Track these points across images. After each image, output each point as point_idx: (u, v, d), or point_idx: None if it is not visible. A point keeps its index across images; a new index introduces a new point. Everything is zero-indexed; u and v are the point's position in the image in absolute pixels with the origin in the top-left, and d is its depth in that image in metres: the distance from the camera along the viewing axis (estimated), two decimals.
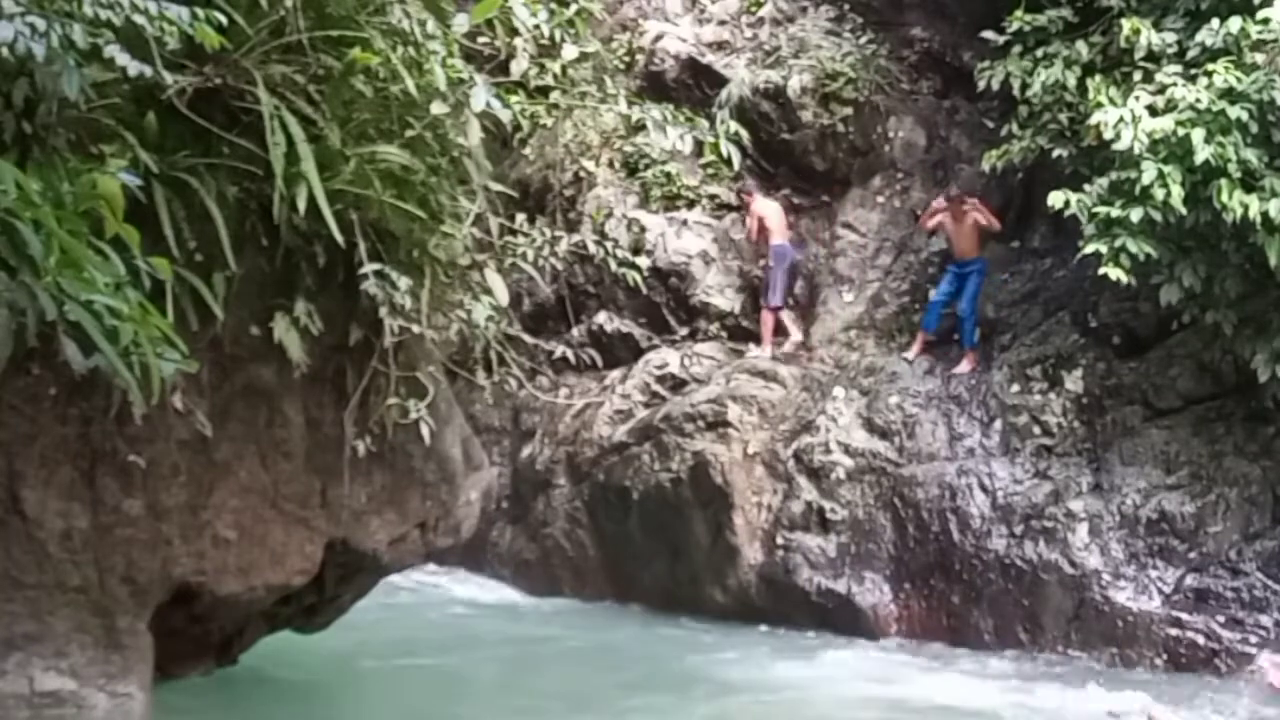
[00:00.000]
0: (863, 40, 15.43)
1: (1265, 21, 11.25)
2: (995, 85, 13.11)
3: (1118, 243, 11.37)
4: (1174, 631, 11.65)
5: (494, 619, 13.25)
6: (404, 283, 7.07)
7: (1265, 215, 10.92)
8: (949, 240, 13.94)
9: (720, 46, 15.96)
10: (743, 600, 13.26)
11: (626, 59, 15.78)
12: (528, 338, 11.56)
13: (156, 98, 6.33)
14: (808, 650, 12.23)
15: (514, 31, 8.42)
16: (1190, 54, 11.74)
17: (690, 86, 15.59)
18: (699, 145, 10.31)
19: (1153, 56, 11.96)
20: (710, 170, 15.22)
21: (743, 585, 13.25)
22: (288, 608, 8.17)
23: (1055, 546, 12.17)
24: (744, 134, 10.91)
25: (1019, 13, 12.88)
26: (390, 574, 8.59)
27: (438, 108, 7.18)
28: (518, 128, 9.70)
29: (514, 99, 8.82)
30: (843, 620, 12.70)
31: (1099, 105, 11.66)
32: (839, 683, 11.33)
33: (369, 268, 7.00)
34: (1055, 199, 11.87)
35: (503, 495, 14.74)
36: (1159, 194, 11.12)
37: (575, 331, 15.05)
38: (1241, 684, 11.07)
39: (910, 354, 13.77)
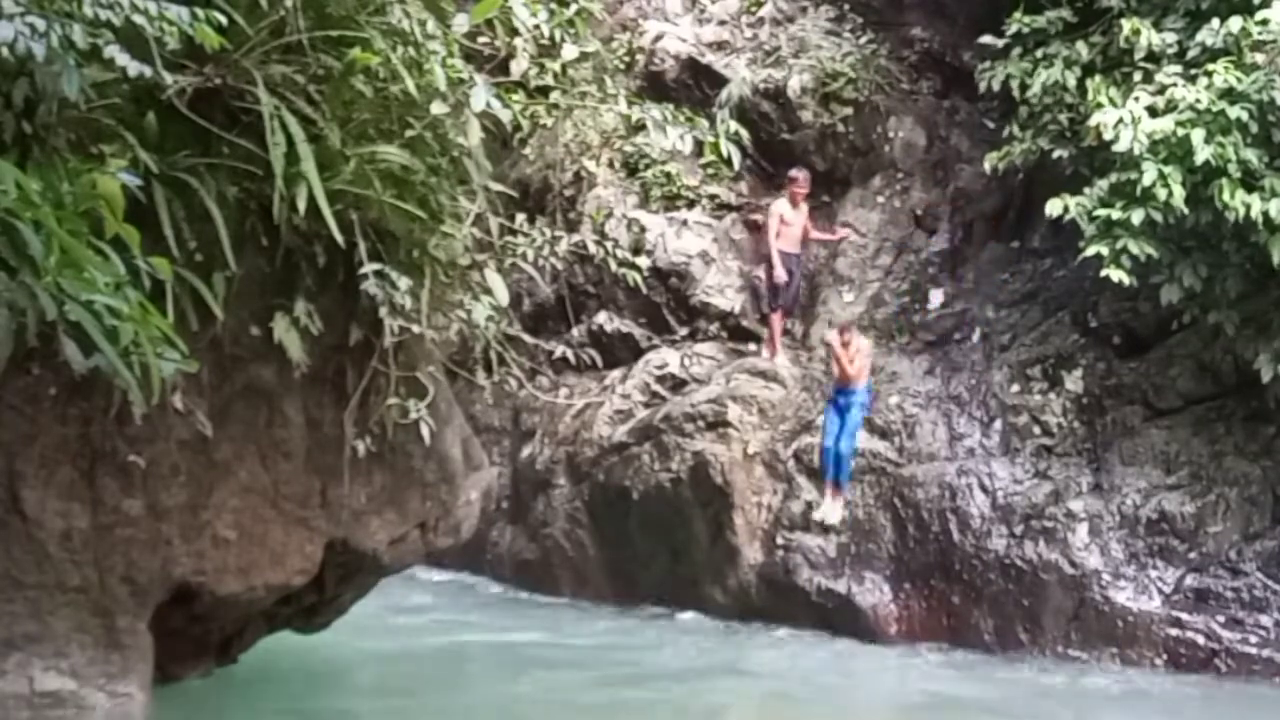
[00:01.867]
0: (863, 40, 15.42)
1: (1265, 21, 11.24)
2: (995, 86, 13.10)
3: (1119, 244, 11.36)
4: (1174, 631, 11.64)
5: (493, 619, 13.24)
6: (404, 283, 7.08)
7: (1266, 215, 10.91)
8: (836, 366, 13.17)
9: (720, 46, 15.93)
10: (743, 600, 13.25)
11: (626, 59, 15.75)
12: (528, 338, 11.54)
13: (156, 98, 6.34)
14: (808, 651, 12.22)
15: (514, 31, 8.43)
16: (1190, 54, 11.73)
17: (690, 86, 15.57)
18: (699, 145, 10.27)
19: (1153, 57, 11.94)
20: (710, 170, 15.20)
21: (743, 585, 13.25)
22: (288, 608, 8.18)
23: (1055, 546, 12.16)
24: (744, 134, 10.87)
25: (1018, 14, 12.86)
26: (390, 574, 8.59)
27: (438, 108, 7.19)
28: (518, 128, 9.67)
29: (514, 99, 8.81)
30: (843, 620, 12.68)
31: (1099, 106, 11.64)
32: (839, 683, 11.34)
33: (369, 268, 7.00)
34: (1053, 206, 11.87)
35: (503, 495, 14.71)
36: (1160, 195, 11.11)
37: (575, 331, 15.03)
38: None
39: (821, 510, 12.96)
